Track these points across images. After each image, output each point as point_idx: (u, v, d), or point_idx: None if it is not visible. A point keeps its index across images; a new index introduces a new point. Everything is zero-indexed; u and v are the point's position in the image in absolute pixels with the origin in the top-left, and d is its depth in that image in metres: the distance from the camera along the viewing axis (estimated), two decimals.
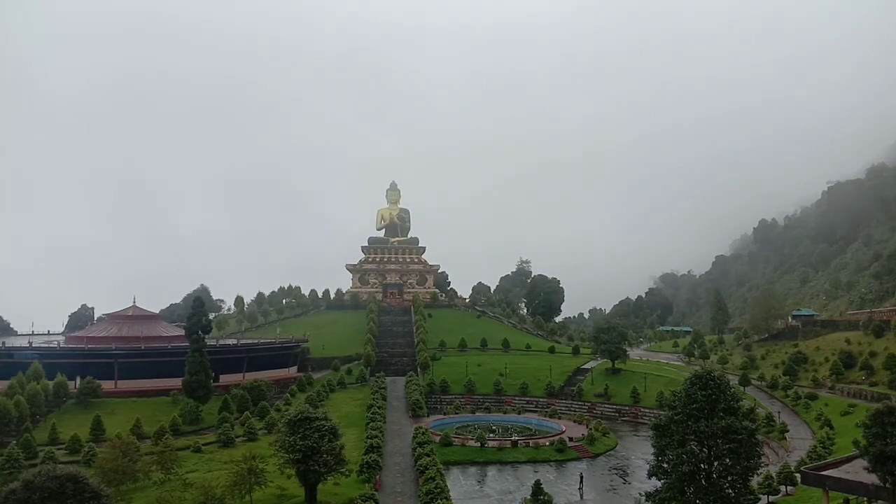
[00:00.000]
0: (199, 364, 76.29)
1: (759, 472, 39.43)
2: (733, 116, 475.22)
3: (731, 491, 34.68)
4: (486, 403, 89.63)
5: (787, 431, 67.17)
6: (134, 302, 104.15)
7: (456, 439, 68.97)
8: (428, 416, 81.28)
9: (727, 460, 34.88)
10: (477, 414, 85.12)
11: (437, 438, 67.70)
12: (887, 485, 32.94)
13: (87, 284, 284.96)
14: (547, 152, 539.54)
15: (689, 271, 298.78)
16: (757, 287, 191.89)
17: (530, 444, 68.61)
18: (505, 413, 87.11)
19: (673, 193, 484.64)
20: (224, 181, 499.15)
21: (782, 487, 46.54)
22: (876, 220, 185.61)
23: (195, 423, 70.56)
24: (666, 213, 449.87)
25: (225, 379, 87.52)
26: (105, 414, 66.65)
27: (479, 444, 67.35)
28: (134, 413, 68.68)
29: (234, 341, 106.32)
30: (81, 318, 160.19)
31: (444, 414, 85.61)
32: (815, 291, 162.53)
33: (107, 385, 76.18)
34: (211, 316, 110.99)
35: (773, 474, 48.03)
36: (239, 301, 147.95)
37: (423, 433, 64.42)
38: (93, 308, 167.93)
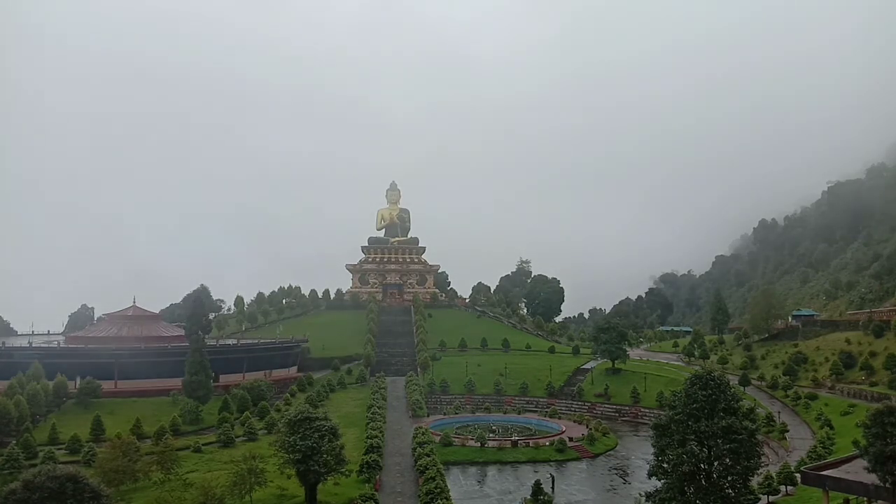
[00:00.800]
0: (199, 364, 76.34)
1: (759, 472, 39.45)
2: (733, 117, 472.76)
3: (731, 491, 34.70)
4: (486, 403, 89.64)
5: (787, 431, 67.18)
6: (134, 302, 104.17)
7: (456, 439, 68.99)
8: (428, 416, 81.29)
9: (727, 460, 34.90)
10: (477, 414, 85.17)
11: (437, 438, 67.75)
12: (887, 485, 32.96)
13: (86, 284, 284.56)
14: (546, 159, 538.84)
15: (689, 271, 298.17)
16: (757, 287, 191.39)
17: (530, 444, 68.65)
18: (505, 413, 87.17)
19: (673, 194, 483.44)
20: (224, 182, 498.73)
21: (782, 487, 46.57)
22: (876, 220, 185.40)
23: (195, 423, 70.52)
24: (666, 214, 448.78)
25: (225, 379, 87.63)
26: (105, 414, 66.61)
27: (479, 444, 67.38)
28: (134, 413, 68.63)
29: (234, 341, 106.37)
30: (81, 318, 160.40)
31: (444, 414, 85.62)
32: (815, 291, 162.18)
33: (107, 385, 76.19)
34: (211, 316, 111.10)
35: (773, 474, 48.04)
36: (239, 301, 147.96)
37: (423, 433, 64.45)
38: (93, 308, 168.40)
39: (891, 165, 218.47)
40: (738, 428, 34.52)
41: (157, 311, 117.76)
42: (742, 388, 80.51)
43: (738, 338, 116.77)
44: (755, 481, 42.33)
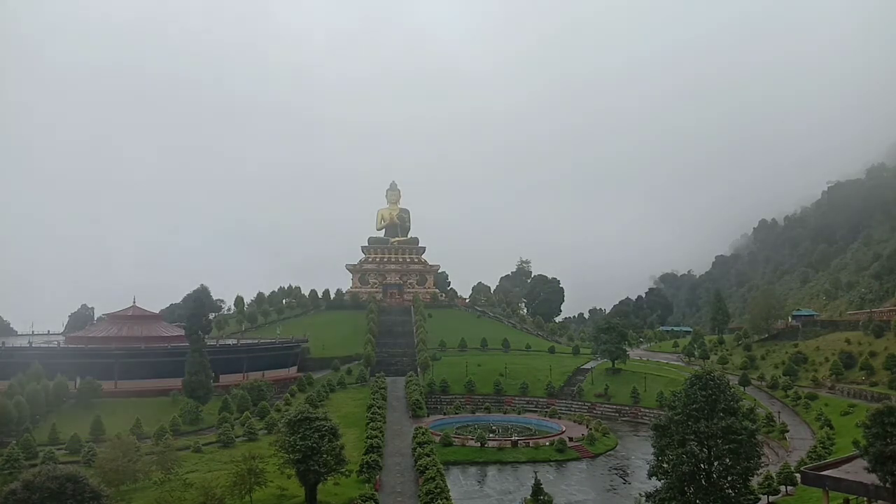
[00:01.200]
0: (199, 364, 76.34)
1: (759, 472, 39.47)
2: (732, 117, 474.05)
3: (731, 491, 34.72)
4: (486, 403, 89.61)
5: (787, 431, 67.15)
6: (134, 302, 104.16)
7: (456, 439, 68.99)
8: (428, 416, 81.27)
9: (727, 460, 34.92)
10: (477, 414, 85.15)
11: (437, 438, 67.75)
12: (887, 485, 32.96)
13: (87, 284, 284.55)
14: (546, 160, 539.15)
15: (689, 271, 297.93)
16: (757, 287, 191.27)
17: (530, 444, 68.63)
18: (505, 413, 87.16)
19: (673, 194, 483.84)
20: (224, 182, 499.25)
21: (782, 487, 46.54)
22: (876, 220, 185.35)
23: (195, 423, 70.52)
24: (666, 214, 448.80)
25: (225, 379, 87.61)
26: (105, 414, 66.56)
27: (479, 444, 67.37)
28: (134, 413, 68.59)
29: (234, 341, 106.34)
30: (81, 318, 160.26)
31: (444, 414, 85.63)
32: (815, 291, 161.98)
33: (107, 385, 76.14)
34: (211, 316, 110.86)
35: (773, 474, 48.03)
36: (239, 301, 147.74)
37: (423, 433, 64.43)
38: (93, 308, 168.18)
39: (891, 165, 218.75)
40: (737, 428, 34.54)
41: (157, 311, 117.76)
42: (742, 388, 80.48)
43: (738, 338, 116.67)
44: (755, 481, 42.32)
